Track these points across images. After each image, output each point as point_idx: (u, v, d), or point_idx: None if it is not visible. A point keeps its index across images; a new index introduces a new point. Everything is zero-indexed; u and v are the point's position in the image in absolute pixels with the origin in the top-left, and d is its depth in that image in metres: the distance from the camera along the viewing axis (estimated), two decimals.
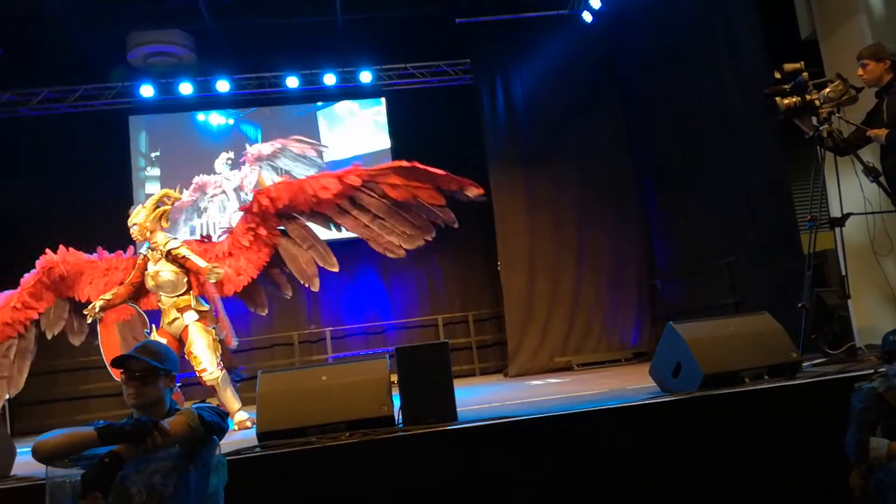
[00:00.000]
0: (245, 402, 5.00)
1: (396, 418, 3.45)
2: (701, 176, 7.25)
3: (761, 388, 3.58)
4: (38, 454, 2.35)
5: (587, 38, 8.96)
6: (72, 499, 2.32)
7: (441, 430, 3.30)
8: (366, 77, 9.71)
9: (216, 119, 9.93)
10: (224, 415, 2.59)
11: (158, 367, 2.54)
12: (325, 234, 9.54)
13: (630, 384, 4.94)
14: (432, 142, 9.98)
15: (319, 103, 10.09)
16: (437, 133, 9.97)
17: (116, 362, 2.56)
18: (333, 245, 9.56)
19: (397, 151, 10.05)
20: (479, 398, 5.53)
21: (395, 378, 3.58)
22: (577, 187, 8.76)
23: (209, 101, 9.74)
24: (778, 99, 4.49)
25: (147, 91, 9.31)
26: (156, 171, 9.70)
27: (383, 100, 10.12)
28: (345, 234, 9.69)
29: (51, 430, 2.31)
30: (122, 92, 9.45)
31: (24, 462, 3.46)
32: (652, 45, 8.05)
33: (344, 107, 10.14)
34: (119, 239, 9.31)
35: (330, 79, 9.66)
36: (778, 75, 4.53)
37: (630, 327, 8.56)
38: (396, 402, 3.50)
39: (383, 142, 10.08)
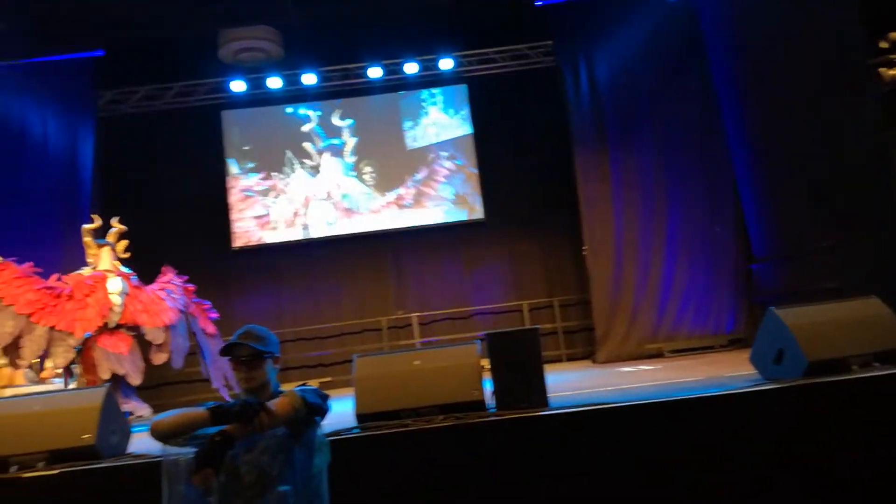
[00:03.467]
0: (342, 385, 5.12)
1: (488, 403, 3.47)
2: (799, 154, 6.89)
3: (870, 376, 3.40)
4: (156, 433, 2.49)
5: (673, 15, 8.65)
6: (186, 475, 2.45)
7: (533, 415, 3.29)
8: (447, 64, 9.73)
9: (303, 111, 10.20)
10: (325, 397, 2.66)
11: (263, 350, 2.64)
12: (411, 220, 9.79)
13: (728, 371, 4.79)
14: (514, 127, 9.95)
15: (402, 92, 10.19)
16: (519, 118, 9.92)
17: (224, 350, 2.67)
18: (419, 231, 9.83)
19: (479, 137, 10.06)
20: (567, 384, 5.48)
21: (485, 363, 3.60)
22: (666, 169, 8.51)
23: (296, 94, 10.01)
24: (882, 69, 4.22)
25: (238, 86, 9.65)
26: (248, 164, 10.08)
27: (465, 86, 10.12)
28: (430, 220, 9.90)
29: (162, 411, 2.44)
30: (215, 88, 9.84)
31: (137, 440, 3.69)
32: (742, 19, 7.68)
33: (426, 94, 10.21)
34: (215, 232, 9.83)
35: (412, 67, 9.74)
36: (884, 45, 4.25)
37: (725, 313, 8.27)
38: (487, 387, 3.52)
39: (465, 128, 10.09)
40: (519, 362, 3.47)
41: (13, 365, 5.57)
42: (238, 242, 9.90)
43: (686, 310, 8.34)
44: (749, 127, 8.02)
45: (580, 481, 3.23)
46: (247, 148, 10.09)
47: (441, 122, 10.14)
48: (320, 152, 10.09)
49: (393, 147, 10.09)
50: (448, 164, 10.06)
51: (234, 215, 9.93)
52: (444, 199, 10.00)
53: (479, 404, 3.40)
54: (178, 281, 6.45)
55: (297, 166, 10.07)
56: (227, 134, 10.07)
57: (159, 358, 5.86)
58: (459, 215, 10.00)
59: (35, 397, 3.92)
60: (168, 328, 5.92)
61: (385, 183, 10.04)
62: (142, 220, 8.77)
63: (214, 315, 6.68)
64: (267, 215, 9.98)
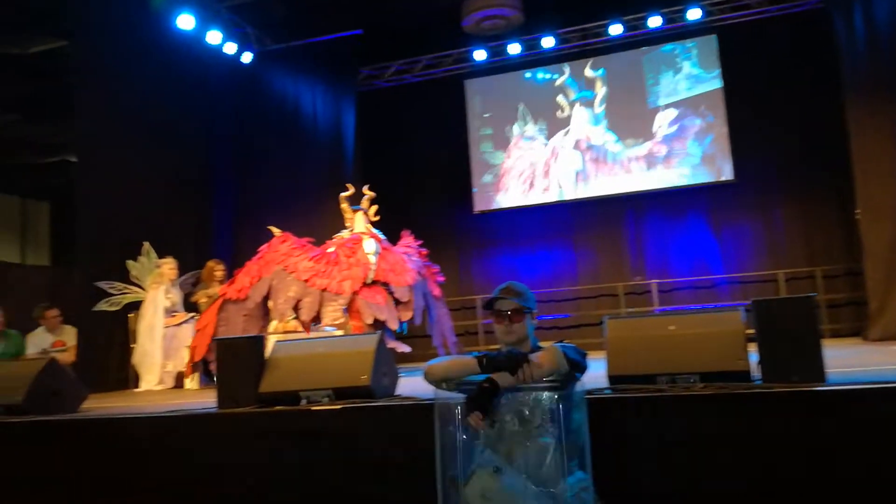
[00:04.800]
0: (593, 347, 5.04)
1: (753, 374, 3.26)
2: None
3: None
4: (429, 377, 2.70)
5: None
6: (456, 417, 2.63)
7: (808, 389, 3.02)
8: (694, 14, 9.10)
9: (542, 76, 10.22)
10: (584, 354, 2.69)
11: (523, 305, 2.73)
12: (651, 182, 9.41)
13: None
14: (771, 78, 9.10)
15: (644, 48, 9.75)
16: (777, 68, 9.05)
17: (487, 304, 2.81)
18: (660, 194, 9.40)
19: (731, 91, 9.32)
20: (837, 360, 4.92)
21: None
22: None
23: (536, 58, 10.05)
24: None
25: (480, 55, 9.93)
26: (489, 131, 10.38)
27: (714, 36, 9.40)
28: (672, 182, 9.44)
29: (416, 361, 2.62)
30: (458, 59, 10.22)
31: (403, 383, 4.04)
32: None
33: (670, 48, 9.67)
34: (459, 197, 10.30)
35: (655, 21, 9.26)
36: None
37: None
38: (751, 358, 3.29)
39: (714, 82, 9.40)
40: (791, 333, 3.19)
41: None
42: (479, 206, 10.29)
43: None
44: None
45: (857, 462, 2.91)
46: (487, 115, 10.38)
47: (688, 76, 9.56)
48: (572, 104, 10.04)
49: (636, 106, 9.73)
50: (694, 121, 9.48)
51: (474, 180, 10.32)
52: (688, 160, 9.48)
53: (744, 374, 3.19)
54: (414, 245, 6.92)
55: (534, 132, 10.14)
56: (469, 102, 10.45)
57: (405, 315, 6.35)
58: (705, 177, 9.41)
59: (319, 340, 4.45)
60: (410, 287, 6.38)
61: (629, 143, 9.74)
62: (393, 186, 9.53)
63: (441, 279, 7.13)
64: (505, 180, 10.22)
